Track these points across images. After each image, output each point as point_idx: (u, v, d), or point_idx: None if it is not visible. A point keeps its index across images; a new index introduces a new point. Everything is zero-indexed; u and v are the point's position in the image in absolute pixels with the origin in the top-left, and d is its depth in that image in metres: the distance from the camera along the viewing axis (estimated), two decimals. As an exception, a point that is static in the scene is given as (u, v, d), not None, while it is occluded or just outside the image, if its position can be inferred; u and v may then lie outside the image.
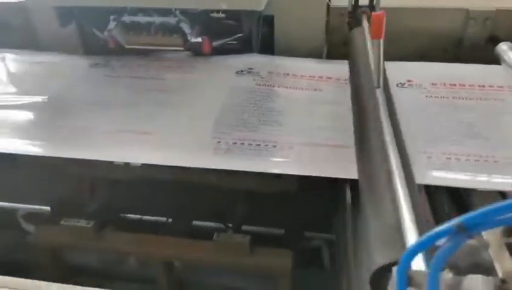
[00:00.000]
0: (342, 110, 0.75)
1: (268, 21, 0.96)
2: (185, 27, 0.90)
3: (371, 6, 0.94)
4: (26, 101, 0.81)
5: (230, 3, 0.84)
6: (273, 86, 0.83)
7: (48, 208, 1.08)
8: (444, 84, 0.82)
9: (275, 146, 0.67)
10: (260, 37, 0.98)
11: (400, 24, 0.97)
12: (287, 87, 0.83)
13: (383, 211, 0.45)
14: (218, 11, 0.96)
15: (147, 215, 1.06)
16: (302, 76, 0.87)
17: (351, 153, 0.63)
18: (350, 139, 0.67)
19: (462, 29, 0.97)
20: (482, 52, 0.97)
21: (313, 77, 0.87)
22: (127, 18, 0.91)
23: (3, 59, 0.98)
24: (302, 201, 0.78)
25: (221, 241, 0.67)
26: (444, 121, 0.71)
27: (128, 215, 1.05)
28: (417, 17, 0.98)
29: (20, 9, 1.05)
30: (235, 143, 0.68)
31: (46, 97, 0.83)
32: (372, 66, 0.72)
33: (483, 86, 0.81)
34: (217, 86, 0.85)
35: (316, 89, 0.82)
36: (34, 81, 0.90)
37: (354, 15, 0.97)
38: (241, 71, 0.89)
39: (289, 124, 0.72)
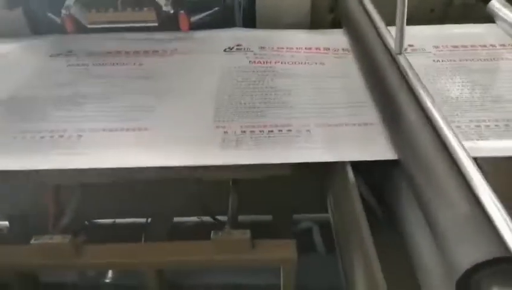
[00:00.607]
0: (353, 84, 0.68)
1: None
2: None
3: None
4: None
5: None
6: (270, 63, 0.74)
7: (6, 223, 0.95)
8: (447, 47, 0.77)
9: (289, 130, 0.59)
10: (242, 8, 0.88)
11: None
12: (285, 63, 0.75)
13: (453, 197, 0.39)
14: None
15: (121, 218, 0.96)
16: (298, 49, 0.79)
17: (378, 130, 0.57)
18: (372, 115, 0.60)
19: (449, -12, 0.93)
20: (472, 10, 0.93)
21: (310, 49, 0.79)
22: None
23: None
24: (294, 183, 0.71)
25: (220, 240, 0.59)
26: (462, 86, 0.66)
27: (100, 220, 0.95)
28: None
29: None
30: (244, 132, 0.59)
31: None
32: (383, 31, 0.66)
33: (485, 46, 0.78)
34: (205, 67, 0.74)
35: (317, 63, 0.75)
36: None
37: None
38: (230, 48, 0.79)
39: (299, 104, 0.64)
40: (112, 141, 0.59)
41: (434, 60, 0.73)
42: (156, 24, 0.82)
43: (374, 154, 0.53)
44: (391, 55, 0.60)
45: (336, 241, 0.64)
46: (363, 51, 0.70)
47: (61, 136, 0.59)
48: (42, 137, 0.59)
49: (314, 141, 0.57)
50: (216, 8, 0.87)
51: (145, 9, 0.80)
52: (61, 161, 0.55)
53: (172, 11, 0.80)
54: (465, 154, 0.42)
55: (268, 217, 0.92)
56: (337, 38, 0.82)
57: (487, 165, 0.47)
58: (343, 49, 0.78)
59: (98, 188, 0.70)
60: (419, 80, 0.54)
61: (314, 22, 0.91)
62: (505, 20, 0.82)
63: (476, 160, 0.43)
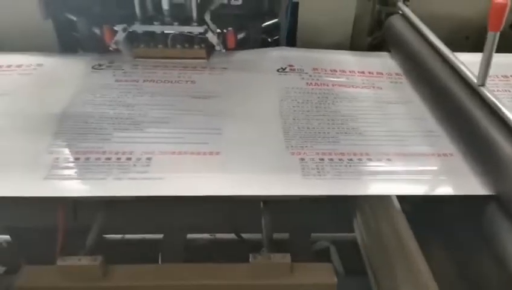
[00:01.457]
0: (418, 111, 0.67)
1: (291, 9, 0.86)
2: (212, 38, 0.76)
3: (403, -7, 0.88)
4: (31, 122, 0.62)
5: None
6: (327, 85, 0.73)
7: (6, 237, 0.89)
8: (498, 76, 0.78)
9: (369, 159, 0.57)
10: (287, 27, 0.86)
11: (424, 11, 0.92)
12: (343, 86, 0.73)
13: None
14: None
15: (137, 233, 0.92)
16: (351, 72, 0.78)
17: (460, 162, 0.56)
18: (448, 145, 0.59)
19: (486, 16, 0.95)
20: (506, 39, 0.96)
21: (363, 72, 0.78)
22: (137, 27, 0.75)
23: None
24: (313, 202, 0.70)
25: (260, 264, 0.56)
26: None
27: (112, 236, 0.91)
28: (442, 3, 0.94)
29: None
30: (322, 160, 0.57)
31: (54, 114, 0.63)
32: (452, 59, 0.66)
33: None
34: (261, 87, 0.72)
35: (374, 87, 0.74)
36: (28, 92, 0.69)
37: (386, 1, 0.90)
38: (283, 69, 0.77)
39: (370, 131, 0.63)
40: (184, 165, 0.55)
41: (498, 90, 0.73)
42: (205, 61, 0.80)
43: (467, 189, 0.52)
44: (470, 85, 0.59)
45: (367, 262, 0.63)
46: (424, 78, 0.70)
47: (129, 159, 0.55)
48: (108, 158, 0.55)
49: (397, 171, 0.55)
50: (262, 26, 0.86)
51: (196, 47, 0.79)
52: (136, 186, 0.51)
53: (224, 51, 0.79)
54: None
55: (284, 235, 0.90)
56: (386, 62, 0.82)
57: None
58: (396, 74, 0.78)
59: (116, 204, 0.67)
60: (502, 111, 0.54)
61: (353, 44, 0.91)
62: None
63: None
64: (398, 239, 0.54)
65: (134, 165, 0.55)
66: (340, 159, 0.57)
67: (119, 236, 0.93)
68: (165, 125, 0.62)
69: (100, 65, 0.75)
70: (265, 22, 0.86)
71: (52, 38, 0.82)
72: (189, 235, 0.92)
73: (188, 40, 0.79)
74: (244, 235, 0.88)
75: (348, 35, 0.89)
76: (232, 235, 0.95)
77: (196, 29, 0.76)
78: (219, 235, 0.97)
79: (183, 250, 0.85)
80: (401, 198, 0.55)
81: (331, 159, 0.57)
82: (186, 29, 0.77)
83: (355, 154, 0.58)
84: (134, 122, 0.62)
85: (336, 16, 0.85)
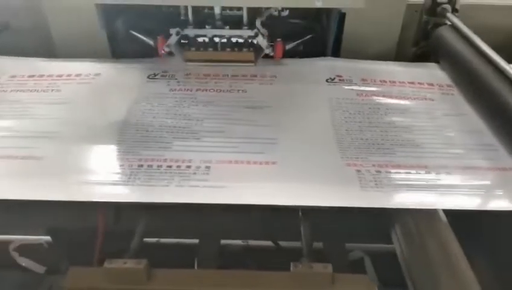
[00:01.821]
0: (473, 124, 0.66)
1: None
2: (262, 41, 0.77)
3: (452, 2, 0.88)
4: (95, 130, 0.65)
5: (327, 1, 0.72)
6: (377, 96, 0.73)
7: (47, 238, 0.91)
8: None
9: (428, 172, 0.57)
10: (333, 37, 0.87)
11: (475, 21, 0.91)
12: (393, 97, 0.73)
13: None
14: (282, 10, 0.85)
15: (174, 238, 0.94)
16: (400, 83, 0.77)
17: None
18: (507, 158, 0.59)
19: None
20: None
21: (413, 83, 0.78)
22: (189, 31, 0.78)
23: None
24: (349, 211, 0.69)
25: (300, 273, 0.56)
26: None
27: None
28: (493, 14, 0.93)
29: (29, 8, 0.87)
30: (379, 172, 0.57)
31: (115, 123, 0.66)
32: (510, 72, 0.65)
33: None
34: (312, 98, 0.73)
35: (426, 98, 0.73)
36: (89, 101, 0.72)
37: (434, 12, 0.90)
38: (331, 79, 0.77)
39: (425, 143, 0.62)
40: (243, 174, 0.57)
41: None
42: (253, 65, 0.82)
43: None
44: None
45: (408, 275, 0.62)
46: (478, 90, 0.69)
47: (189, 167, 0.57)
48: (169, 166, 0.57)
49: (457, 185, 0.55)
50: (309, 36, 0.87)
51: (245, 50, 0.80)
52: (198, 194, 0.53)
53: (272, 54, 0.80)
54: None
55: (318, 245, 0.90)
56: (436, 72, 0.81)
57: None
58: (447, 85, 0.77)
59: (157, 208, 0.68)
60: None
61: (397, 54, 0.90)
62: None
63: None
64: (445, 254, 0.54)
65: (195, 173, 0.56)
66: (397, 172, 0.57)
67: (154, 240, 0.95)
68: (220, 134, 0.64)
69: (155, 75, 0.78)
70: (312, 33, 0.87)
71: (105, 47, 0.86)
72: (223, 241, 0.93)
73: (237, 44, 0.81)
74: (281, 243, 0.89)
75: (394, 46, 0.88)
76: (264, 242, 0.95)
77: (246, 33, 0.78)
78: (252, 242, 0.98)
79: (218, 255, 0.86)
80: (447, 211, 0.54)
81: (388, 171, 0.57)
82: (236, 32, 0.79)
83: (412, 166, 0.58)
84: (191, 131, 0.64)
85: (383, 27, 0.85)
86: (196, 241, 0.88)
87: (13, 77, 0.77)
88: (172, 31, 0.78)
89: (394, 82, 0.77)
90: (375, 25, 0.85)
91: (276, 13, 0.82)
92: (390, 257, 0.72)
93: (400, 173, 0.57)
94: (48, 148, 0.60)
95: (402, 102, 0.72)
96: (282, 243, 0.89)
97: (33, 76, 0.77)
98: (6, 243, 0.95)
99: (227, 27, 0.78)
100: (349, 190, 0.54)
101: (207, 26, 0.78)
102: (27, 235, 0.96)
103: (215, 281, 0.60)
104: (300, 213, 0.65)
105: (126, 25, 0.87)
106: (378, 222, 0.69)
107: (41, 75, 0.77)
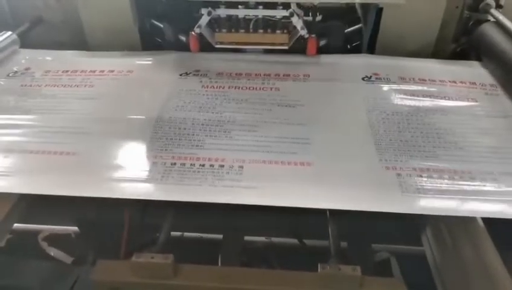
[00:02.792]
0: None
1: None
2: (297, 22, 0.74)
3: (496, -1, 0.83)
4: (129, 125, 0.64)
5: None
6: (417, 96, 0.70)
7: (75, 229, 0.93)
8: None
9: (472, 178, 0.54)
10: (369, 34, 0.84)
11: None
12: (434, 97, 0.70)
13: None
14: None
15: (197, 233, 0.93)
16: (441, 81, 0.74)
17: None
18: None
19: None
20: None
21: (454, 82, 0.74)
22: (221, 11, 0.75)
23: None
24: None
25: (329, 274, 0.54)
26: None
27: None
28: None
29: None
30: (421, 176, 0.54)
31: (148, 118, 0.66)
32: None
33: None
34: (347, 96, 0.70)
35: (468, 99, 0.70)
36: (122, 96, 0.72)
37: (476, 7, 0.85)
38: (368, 77, 0.75)
39: (469, 146, 0.59)
40: (276, 174, 0.55)
41: None
42: (286, 48, 0.79)
43: None
44: None
45: (438, 279, 0.59)
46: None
47: (221, 166, 0.56)
48: (202, 165, 0.56)
49: (503, 192, 0.52)
50: (343, 32, 0.84)
51: (278, 32, 0.77)
52: (231, 194, 0.52)
53: (307, 36, 0.77)
54: None
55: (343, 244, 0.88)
56: (478, 71, 0.77)
57: None
58: (490, 85, 0.73)
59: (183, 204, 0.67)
60: None
61: (435, 51, 0.87)
62: None
63: None
64: (480, 260, 0.51)
65: (228, 172, 0.55)
66: (440, 177, 0.54)
67: (178, 234, 0.95)
68: (253, 133, 0.62)
69: (187, 74, 0.77)
70: (348, 28, 0.84)
71: (136, 41, 0.85)
72: (246, 238, 0.92)
73: (271, 25, 0.78)
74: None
75: (432, 43, 0.85)
76: (287, 240, 0.94)
77: (281, 13, 0.75)
78: (275, 239, 0.97)
79: (242, 252, 0.85)
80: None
81: (431, 176, 0.54)
82: (270, 12, 0.75)
83: (456, 171, 0.55)
84: (224, 130, 0.63)
85: (422, 23, 0.82)
86: (220, 236, 0.88)
87: (48, 72, 0.78)
88: (204, 11, 0.75)
89: (434, 80, 0.74)
90: (414, 20, 0.81)
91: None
92: (417, 259, 0.70)
93: (443, 178, 0.54)
94: (81, 144, 0.60)
95: (443, 102, 0.69)
96: (307, 242, 0.88)
97: (67, 71, 0.77)
98: (36, 232, 0.97)
99: (261, 7, 0.75)
100: (389, 195, 0.52)
101: (240, 7, 0.75)
102: (56, 226, 0.98)
103: (241, 279, 0.59)
104: (328, 213, 0.63)
105: (158, 20, 0.86)
106: (408, 223, 0.66)
107: (75, 71, 0.78)
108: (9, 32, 0.84)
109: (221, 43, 0.79)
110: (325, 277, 0.53)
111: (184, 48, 0.83)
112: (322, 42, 0.82)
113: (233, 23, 0.78)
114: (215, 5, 0.75)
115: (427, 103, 0.68)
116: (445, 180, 0.53)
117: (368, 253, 0.94)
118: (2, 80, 0.76)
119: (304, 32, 0.76)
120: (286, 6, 0.75)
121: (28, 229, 0.95)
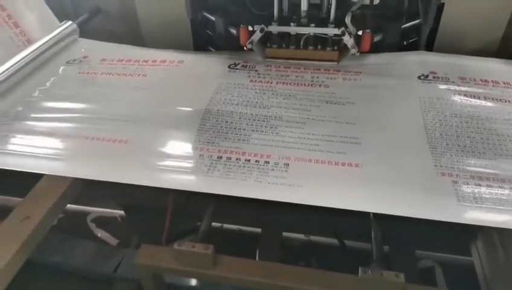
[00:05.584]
0: None
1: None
2: (348, 40, 0.72)
3: None
4: (178, 116, 0.66)
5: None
6: (479, 98, 0.65)
7: (121, 212, 0.96)
8: None
9: None
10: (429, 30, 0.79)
11: None
12: (497, 100, 0.65)
13: None
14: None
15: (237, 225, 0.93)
16: (505, 83, 0.69)
17: None
18: None
19: None
20: None
21: (521, 84, 0.68)
22: (274, 28, 0.74)
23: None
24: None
25: (370, 279, 0.51)
26: None
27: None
28: None
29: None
30: (479, 185, 0.50)
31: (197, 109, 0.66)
32: None
33: None
34: (401, 96, 0.67)
35: (535, 103, 0.64)
36: (173, 87, 0.73)
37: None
38: (425, 76, 0.71)
39: None
40: (323, 174, 0.54)
41: None
42: (336, 64, 0.76)
43: None
44: None
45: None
46: None
47: (267, 163, 0.55)
48: (247, 160, 0.56)
49: None
50: (401, 28, 0.80)
51: (328, 49, 0.75)
52: (276, 191, 0.51)
53: (358, 54, 0.74)
54: None
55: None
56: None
57: None
58: (562, 89, 0.67)
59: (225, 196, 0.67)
60: None
61: (500, 51, 0.80)
62: None
63: None
64: None
65: (273, 169, 0.54)
66: (500, 186, 0.50)
67: (218, 224, 0.96)
68: (300, 130, 0.61)
69: (235, 65, 0.77)
70: (405, 24, 0.80)
71: (188, 38, 0.86)
72: (285, 234, 0.91)
73: (321, 42, 0.76)
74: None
75: (497, 41, 0.79)
76: (326, 239, 0.92)
77: (332, 31, 0.73)
78: (313, 238, 0.96)
79: (280, 247, 0.84)
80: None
81: (490, 186, 0.50)
82: (322, 30, 0.74)
83: None
84: (270, 125, 0.62)
85: (487, 20, 0.76)
86: (258, 230, 0.87)
87: (103, 60, 0.80)
88: (257, 27, 0.75)
89: (497, 82, 0.69)
90: (478, 17, 0.76)
91: (367, 2, 0.76)
92: (464, 270, 0.66)
93: (503, 188, 0.50)
94: (132, 132, 0.62)
95: (507, 106, 0.64)
96: (347, 243, 0.85)
97: (121, 60, 0.80)
98: (85, 214, 1.02)
99: (313, 25, 0.73)
100: (443, 203, 0.49)
101: (292, 24, 0.74)
102: (104, 209, 1.02)
103: (279, 275, 0.58)
104: (371, 215, 0.61)
105: (210, 12, 0.86)
106: (456, 232, 0.63)
107: (129, 60, 0.80)
108: (70, 22, 0.88)
109: (272, 57, 0.78)
110: (366, 281, 0.51)
111: (234, 40, 0.83)
112: (377, 38, 0.78)
113: (285, 40, 0.77)
114: (268, 22, 0.74)
115: (489, 106, 0.64)
116: (506, 191, 0.49)
117: (412, 260, 0.90)
118: (62, 67, 0.80)
119: (354, 51, 0.73)
120: (338, 24, 0.73)
121: (78, 210, 0.99)
